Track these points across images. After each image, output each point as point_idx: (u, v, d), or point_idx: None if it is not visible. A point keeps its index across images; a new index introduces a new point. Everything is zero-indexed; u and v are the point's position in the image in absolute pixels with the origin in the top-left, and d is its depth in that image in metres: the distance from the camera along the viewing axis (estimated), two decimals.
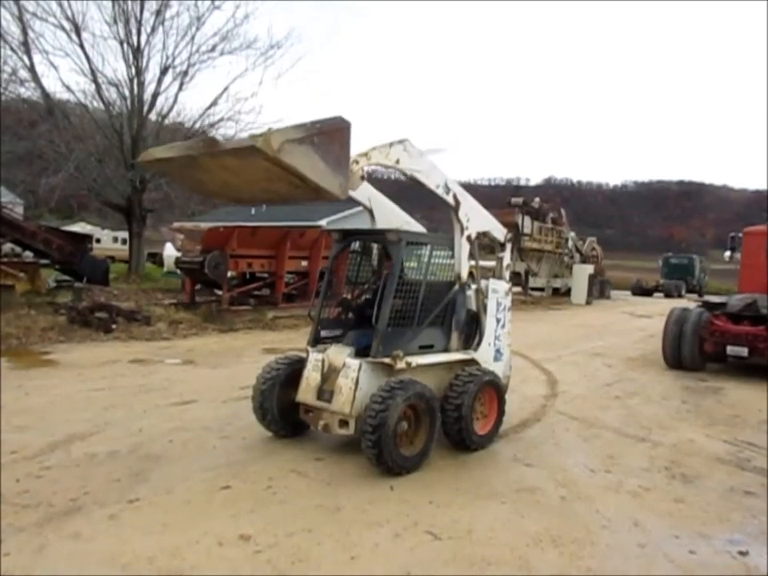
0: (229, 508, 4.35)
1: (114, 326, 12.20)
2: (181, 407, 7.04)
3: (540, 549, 4.02)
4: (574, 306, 25.83)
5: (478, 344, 6.29)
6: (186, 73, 24.88)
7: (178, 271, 20.24)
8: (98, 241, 37.05)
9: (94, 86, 23.94)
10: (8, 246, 19.05)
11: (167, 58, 24.47)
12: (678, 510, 4.78)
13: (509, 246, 6.73)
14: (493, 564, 3.78)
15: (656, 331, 13.55)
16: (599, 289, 29.53)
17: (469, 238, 6.06)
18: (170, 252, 29.85)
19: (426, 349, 5.81)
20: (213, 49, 24.77)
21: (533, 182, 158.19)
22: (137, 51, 24.07)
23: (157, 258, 34.48)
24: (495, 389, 6.09)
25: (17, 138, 22.52)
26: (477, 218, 6.17)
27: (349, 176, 4.56)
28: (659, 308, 21.85)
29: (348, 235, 6.35)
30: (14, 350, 10.25)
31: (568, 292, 28.08)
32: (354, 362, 5.28)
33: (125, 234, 31.48)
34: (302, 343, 6.13)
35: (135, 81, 24.36)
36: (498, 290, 6.53)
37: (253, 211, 39.53)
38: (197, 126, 25.71)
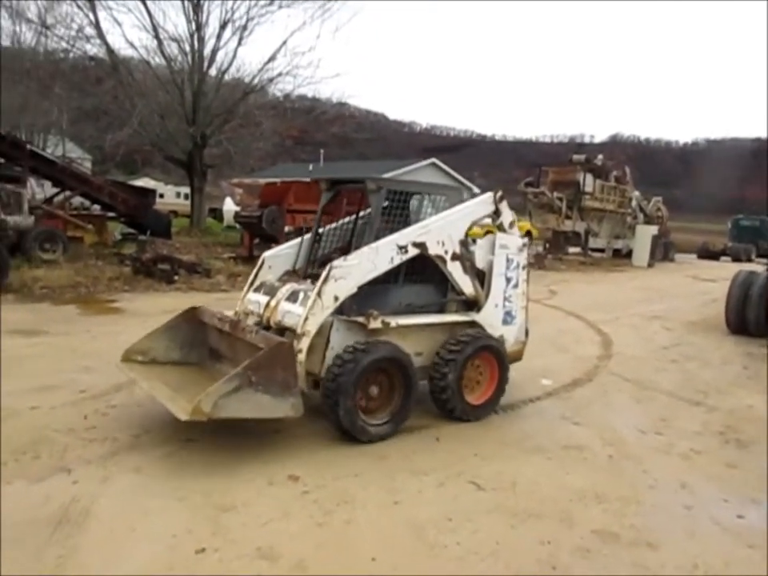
0: (279, 451, 4.52)
1: (175, 278, 12.65)
2: None
3: (583, 504, 4.03)
4: (636, 268, 25.07)
5: (480, 305, 5.70)
6: (244, 27, 24.90)
7: (237, 225, 20.67)
8: (161, 196, 38.13)
9: (155, 41, 24.27)
10: (78, 200, 19.78)
11: (226, 12, 24.55)
12: (730, 475, 4.69)
13: (503, 205, 5.88)
14: (534, 516, 3.83)
15: (720, 295, 13.05)
16: (663, 251, 28.51)
17: (455, 255, 5.45)
18: (229, 207, 30.46)
19: (418, 309, 5.41)
20: (271, 2, 24.66)
21: (597, 139, 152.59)
22: (197, 6, 24.18)
23: (217, 213, 35.23)
24: (494, 354, 5.55)
25: (84, 94, 23.16)
26: (451, 232, 5.42)
27: (299, 391, 4.36)
28: (725, 272, 20.96)
29: (335, 184, 6.01)
30: (83, 297, 10.78)
31: (630, 254, 27.25)
32: (327, 320, 4.83)
33: (187, 189, 32.24)
34: None
35: (195, 36, 24.55)
36: (509, 246, 5.86)
37: (311, 167, 39.82)
38: (255, 81, 25.85)
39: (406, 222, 5.49)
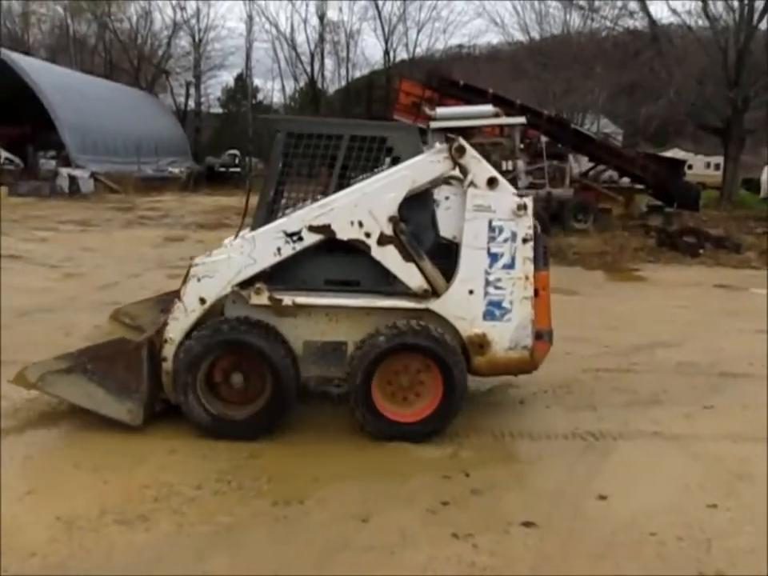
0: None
1: (701, 251, 12.37)
2: (763, 335, 6.79)
3: None
4: None
5: (436, 290, 4.13)
6: None
7: None
8: (690, 167, 36.70)
9: (700, 3, 23.27)
10: (608, 174, 20.96)
11: None
12: None
13: (468, 160, 4.07)
14: None
15: None
16: None
17: (384, 238, 4.03)
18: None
19: (349, 286, 4.24)
20: None
21: None
22: None
23: (752, 184, 31.92)
24: (433, 359, 4.03)
25: (621, 70, 24.11)
26: (374, 207, 4.04)
27: (145, 399, 4.01)
28: None
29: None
30: (609, 264, 11.66)
31: None
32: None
33: (718, 159, 30.33)
34: None
35: None
36: (493, 208, 4.10)
37: None
38: None
39: None
